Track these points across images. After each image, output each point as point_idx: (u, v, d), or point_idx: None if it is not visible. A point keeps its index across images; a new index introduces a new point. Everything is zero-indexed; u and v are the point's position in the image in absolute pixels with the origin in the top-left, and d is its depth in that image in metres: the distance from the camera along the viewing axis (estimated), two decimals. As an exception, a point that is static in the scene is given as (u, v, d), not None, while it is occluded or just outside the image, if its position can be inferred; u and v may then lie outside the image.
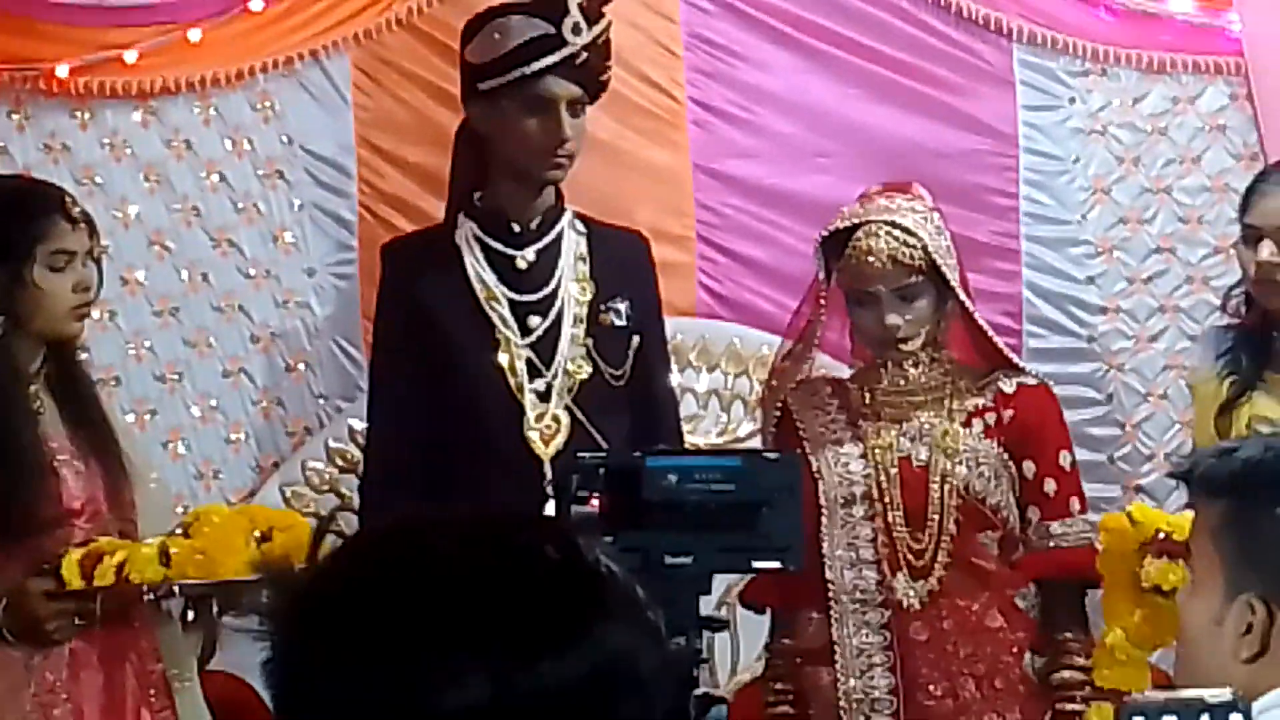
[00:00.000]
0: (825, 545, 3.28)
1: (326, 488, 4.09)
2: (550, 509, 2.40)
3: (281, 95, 4.17)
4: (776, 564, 2.55)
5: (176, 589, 2.94)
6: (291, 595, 1.26)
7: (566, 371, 3.30)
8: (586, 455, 2.47)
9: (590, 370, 3.32)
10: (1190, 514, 2.17)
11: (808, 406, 3.42)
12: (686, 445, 3.62)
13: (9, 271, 3.09)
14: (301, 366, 4.19)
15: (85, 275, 3.15)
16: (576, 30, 3.24)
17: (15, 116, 4.05)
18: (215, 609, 3.04)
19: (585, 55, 3.25)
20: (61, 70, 3.99)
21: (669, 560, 2.41)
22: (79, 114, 4.08)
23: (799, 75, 4.44)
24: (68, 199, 3.18)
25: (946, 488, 3.30)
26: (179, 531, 3.03)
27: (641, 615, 1.24)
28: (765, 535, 2.48)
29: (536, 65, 3.22)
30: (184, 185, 4.14)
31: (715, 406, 4.27)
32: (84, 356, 3.39)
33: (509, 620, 1.19)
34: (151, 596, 2.99)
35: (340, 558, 1.28)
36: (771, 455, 2.63)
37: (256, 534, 3.00)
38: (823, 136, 4.44)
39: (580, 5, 3.25)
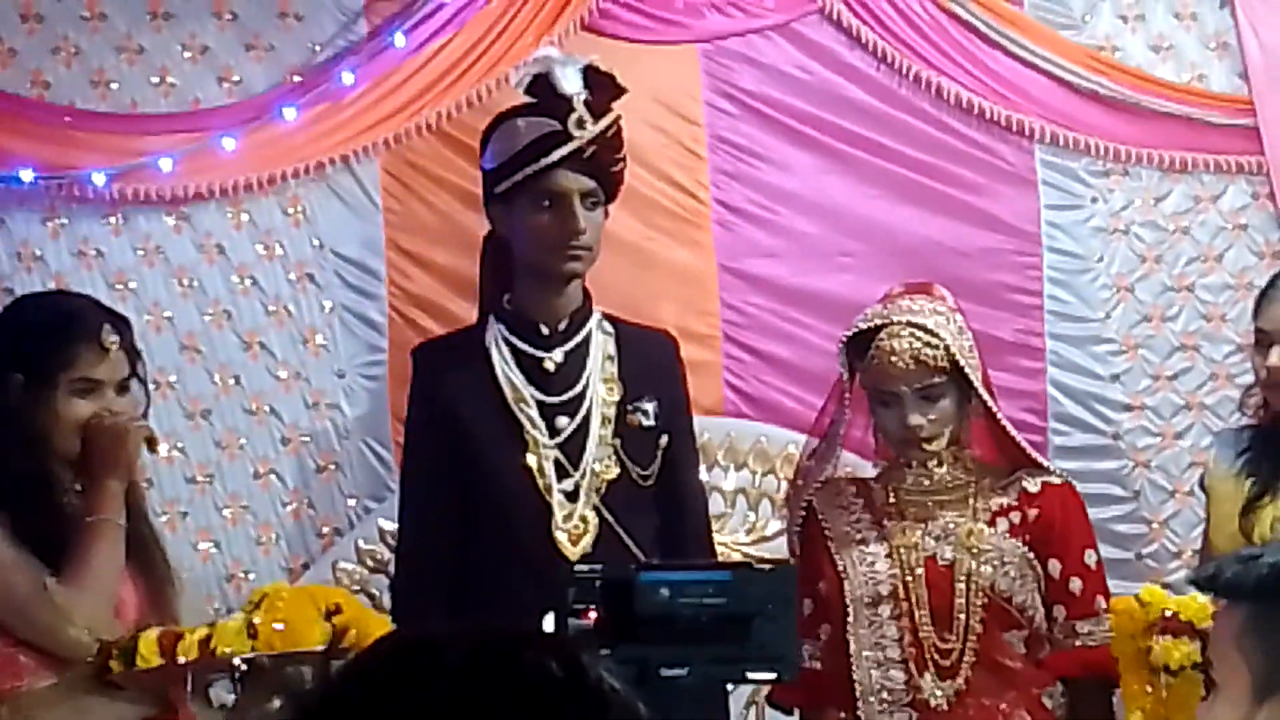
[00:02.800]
0: (851, 645, 3.29)
1: (357, 588, 4.10)
2: (549, 623, 2.43)
3: (312, 200, 4.23)
4: (771, 674, 2.59)
5: (239, 661, 2.95)
6: (301, 704, 1.28)
7: (594, 472, 3.32)
8: (584, 569, 2.51)
9: (618, 470, 3.34)
10: (1197, 594, 2.18)
11: (833, 506, 3.44)
12: (715, 544, 3.63)
13: (34, 394, 3.14)
14: (331, 467, 4.22)
15: (110, 403, 3.17)
16: (581, 124, 3.29)
17: (50, 223, 4.10)
18: (262, 688, 3.05)
19: (593, 149, 3.30)
20: (97, 178, 4.05)
21: (665, 672, 2.46)
22: (112, 220, 4.14)
23: (821, 176, 4.49)
24: (105, 328, 3.19)
25: (972, 587, 3.31)
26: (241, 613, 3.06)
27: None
28: (759, 646, 2.52)
29: (545, 161, 3.27)
30: (215, 289, 4.19)
31: (743, 505, 4.29)
32: None
33: None
34: (243, 666, 2.98)
35: (352, 670, 1.30)
36: (764, 566, 2.65)
37: (324, 609, 3.03)
38: (845, 236, 4.48)
39: (585, 101, 3.31)
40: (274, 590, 3.07)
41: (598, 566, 2.24)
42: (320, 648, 2.99)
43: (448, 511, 3.31)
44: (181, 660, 2.94)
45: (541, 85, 3.32)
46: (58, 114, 4.08)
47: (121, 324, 3.25)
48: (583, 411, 3.34)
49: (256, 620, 2.94)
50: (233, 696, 3.06)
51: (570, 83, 3.29)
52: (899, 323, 3.33)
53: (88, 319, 3.21)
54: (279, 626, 2.94)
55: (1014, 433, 3.45)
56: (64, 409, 3.13)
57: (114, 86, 4.13)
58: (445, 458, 3.32)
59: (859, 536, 3.38)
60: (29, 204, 4.08)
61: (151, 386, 4.00)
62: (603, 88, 3.35)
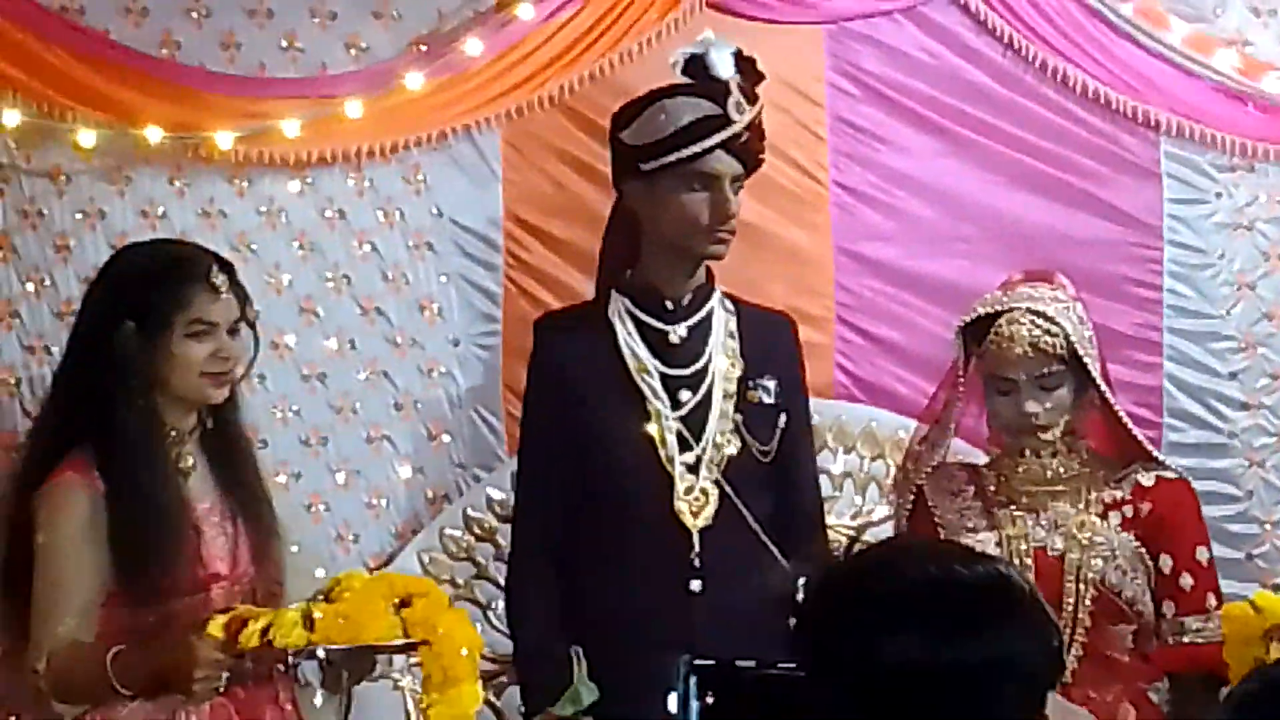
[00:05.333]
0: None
1: (463, 555, 4.14)
2: (673, 703, 2.36)
3: (433, 168, 4.25)
4: None
5: (321, 653, 2.99)
6: (821, 580, 1.78)
7: (715, 445, 3.33)
8: (701, 662, 2.42)
9: (739, 446, 3.35)
10: None
11: (943, 492, 3.43)
12: (826, 527, 3.62)
13: (149, 336, 3.17)
14: (443, 435, 4.25)
15: (224, 344, 3.20)
16: (739, 109, 3.30)
17: (176, 183, 4.15)
18: (347, 675, 3.09)
19: (746, 134, 3.31)
20: (223, 140, 4.09)
21: None
22: (237, 182, 4.18)
23: (941, 160, 4.46)
24: (214, 269, 3.22)
25: (1082, 579, 3.29)
26: (320, 597, 3.08)
27: (1039, 625, 1.72)
28: None
29: (706, 143, 3.28)
30: (335, 254, 4.22)
31: (850, 489, 4.28)
32: (242, 418, 3.46)
33: (948, 609, 1.69)
34: (292, 660, 3.03)
35: (846, 566, 1.80)
36: None
37: (396, 600, 3.06)
38: (963, 221, 4.45)
39: (739, 85, 3.32)
40: (345, 579, 3.09)
41: (711, 662, 2.19)
42: (390, 644, 2.99)
43: (568, 480, 3.33)
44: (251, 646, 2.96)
45: (698, 67, 3.33)
46: (185, 75, 4.13)
47: (227, 266, 3.28)
48: (705, 385, 3.35)
49: (317, 615, 2.96)
50: (319, 678, 3.10)
51: (725, 66, 3.31)
52: (1019, 309, 3.32)
53: (196, 261, 3.24)
54: (341, 621, 2.96)
55: (1130, 426, 3.43)
56: (180, 350, 3.16)
57: (242, 49, 4.17)
58: (565, 427, 3.34)
59: (969, 524, 3.37)
60: (156, 163, 4.12)
61: (269, 348, 4.08)
62: (750, 73, 3.37)
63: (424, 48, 4.23)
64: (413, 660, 3.27)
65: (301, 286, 4.19)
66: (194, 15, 4.16)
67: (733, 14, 4.32)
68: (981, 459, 3.58)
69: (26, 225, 4.08)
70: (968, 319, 3.40)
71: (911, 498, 3.46)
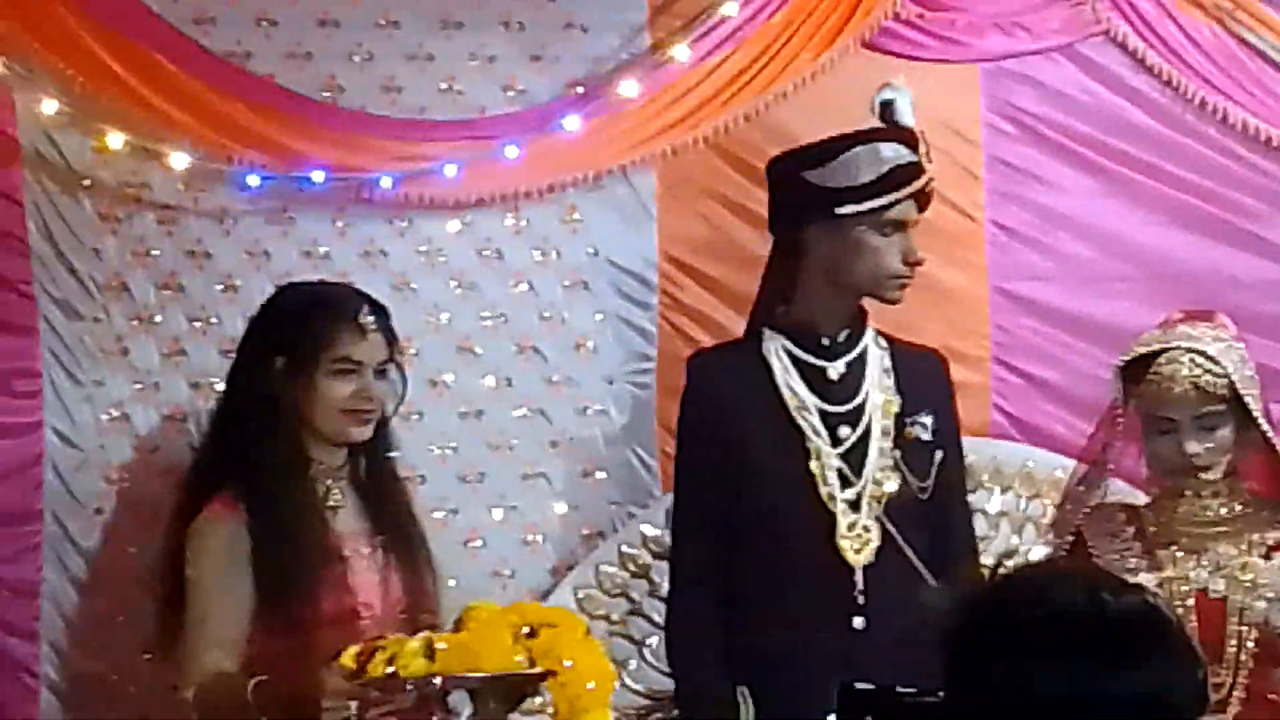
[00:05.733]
0: (1117, 674, 3.24)
1: (618, 591, 4.16)
2: None
3: (589, 208, 4.30)
4: None
5: (438, 682, 3.00)
6: (969, 605, 1.77)
7: (875, 482, 3.33)
8: (861, 686, 2.41)
9: (898, 483, 3.34)
10: None
11: (1102, 533, 3.40)
12: (980, 566, 3.60)
13: (296, 372, 3.24)
14: (598, 472, 4.28)
15: (368, 384, 3.26)
16: (930, 158, 3.33)
17: (337, 223, 4.23)
18: (493, 704, 3.11)
19: (930, 181, 3.34)
20: (385, 181, 4.16)
21: None
22: (397, 222, 4.25)
23: (1099, 199, 4.43)
24: (363, 310, 3.28)
25: (1244, 621, 3.25)
26: (451, 628, 3.11)
27: (1186, 658, 1.71)
28: None
29: (905, 191, 3.29)
30: (493, 293, 4.27)
31: (1006, 528, 4.25)
32: (395, 455, 3.52)
33: (1097, 641, 1.69)
34: (412, 689, 3.02)
35: (994, 591, 1.79)
36: None
37: (524, 630, 3.06)
38: (1122, 261, 4.42)
39: (922, 133, 3.34)
40: (475, 609, 3.10)
41: (870, 686, 2.20)
42: (514, 674, 2.99)
43: (726, 517, 3.34)
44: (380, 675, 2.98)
45: (890, 114, 3.35)
46: (347, 119, 4.20)
47: (379, 308, 3.34)
48: (864, 422, 3.35)
49: (439, 645, 2.98)
50: (469, 709, 3.12)
51: (910, 116, 3.33)
52: (1179, 348, 3.29)
53: (346, 301, 3.32)
54: (462, 650, 2.96)
55: (1293, 467, 3.37)
56: (324, 388, 3.23)
57: (404, 92, 4.24)
58: (723, 464, 3.35)
59: (1128, 565, 3.34)
60: (319, 204, 4.21)
61: (428, 386, 4.15)
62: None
63: (581, 90, 4.28)
64: None
65: (460, 325, 4.24)
66: (356, 59, 4.24)
67: (887, 53, 4.33)
68: (1141, 499, 3.55)
69: (193, 265, 4.18)
70: (1127, 358, 3.37)
71: (1070, 538, 3.44)
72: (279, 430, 3.24)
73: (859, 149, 3.31)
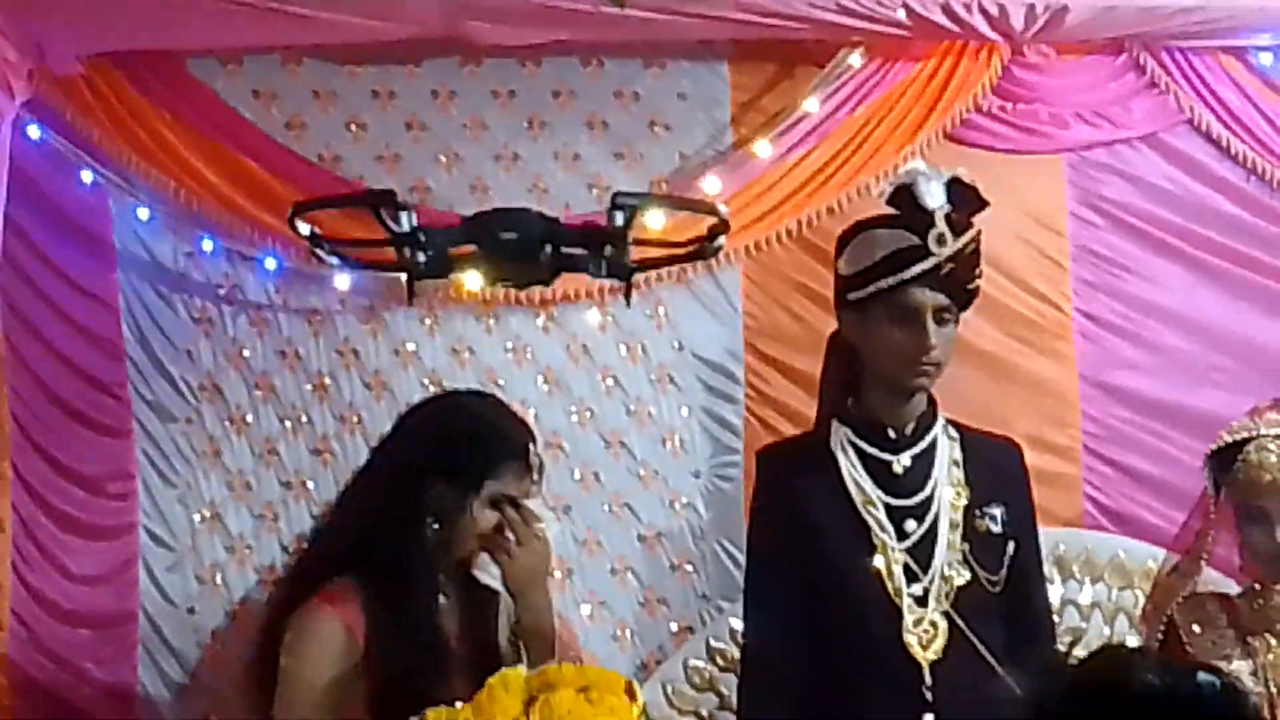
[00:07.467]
0: (1213, 765, 3.19)
1: (707, 686, 4.15)
2: None
3: (674, 304, 4.33)
4: None
5: None
6: (1049, 690, 1.79)
7: (944, 576, 3.29)
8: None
9: (968, 576, 3.31)
10: None
11: (1195, 622, 3.36)
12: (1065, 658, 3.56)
13: (456, 492, 3.21)
14: (686, 566, 4.28)
15: (510, 518, 3.23)
16: (941, 241, 3.27)
17: (427, 321, 4.28)
18: None
19: (950, 266, 3.27)
20: (473, 280, 4.20)
21: None
22: (485, 320, 4.30)
23: (1189, 289, 4.41)
24: (532, 448, 3.26)
25: (1339, 710, 3.19)
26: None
27: None
28: None
29: (901, 276, 3.25)
30: (580, 389, 4.30)
31: (1099, 619, 4.20)
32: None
33: None
34: None
35: (1077, 673, 1.81)
36: None
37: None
38: (1214, 350, 4.39)
39: (947, 216, 3.28)
40: (555, 671, 3.06)
41: None
42: None
43: (795, 613, 3.32)
44: None
45: (904, 197, 3.32)
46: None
47: (533, 436, 3.32)
48: (931, 515, 3.32)
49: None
50: None
51: (934, 197, 3.28)
52: (1268, 435, 3.25)
53: (519, 434, 3.27)
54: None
55: (1387, 554, 3.32)
56: (478, 515, 3.21)
57: (490, 193, 4.30)
58: (792, 559, 3.33)
59: (1223, 653, 3.30)
60: (408, 303, 4.25)
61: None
62: (966, 202, 3.33)
63: (665, 186, 4.31)
64: None
65: (548, 421, 4.26)
66: (443, 160, 4.30)
67: (971, 145, 4.34)
68: (1235, 589, 3.50)
69: (285, 366, 4.24)
70: (1215, 446, 3.34)
71: (1162, 629, 3.40)
72: (426, 541, 3.22)
73: (865, 233, 3.30)
